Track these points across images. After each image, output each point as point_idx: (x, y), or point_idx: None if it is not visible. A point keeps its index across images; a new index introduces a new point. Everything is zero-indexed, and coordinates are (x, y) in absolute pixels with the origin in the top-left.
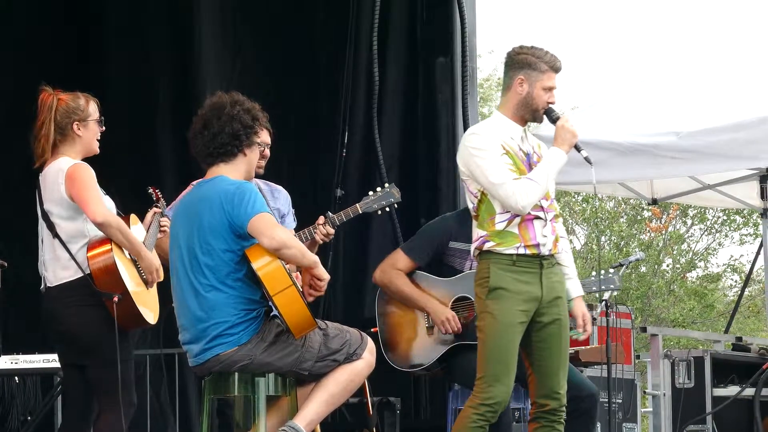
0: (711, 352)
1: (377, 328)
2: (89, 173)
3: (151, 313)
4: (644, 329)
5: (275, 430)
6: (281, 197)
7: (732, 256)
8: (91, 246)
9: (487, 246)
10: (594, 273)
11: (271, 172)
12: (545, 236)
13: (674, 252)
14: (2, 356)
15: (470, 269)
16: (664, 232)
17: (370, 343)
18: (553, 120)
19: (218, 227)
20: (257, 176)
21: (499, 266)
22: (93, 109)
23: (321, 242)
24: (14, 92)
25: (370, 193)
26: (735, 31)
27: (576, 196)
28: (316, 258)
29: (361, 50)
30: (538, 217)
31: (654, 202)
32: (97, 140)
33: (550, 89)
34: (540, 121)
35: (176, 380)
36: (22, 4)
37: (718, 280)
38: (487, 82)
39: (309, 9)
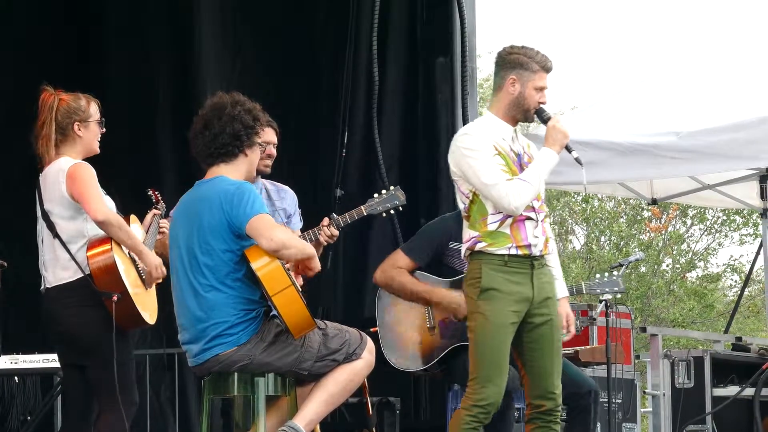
0: (711, 352)
1: (377, 328)
2: (90, 172)
3: (149, 314)
4: (644, 329)
5: (275, 430)
6: (288, 197)
7: (732, 256)
8: (90, 245)
9: (479, 246)
10: (598, 275)
11: (271, 172)
12: (536, 237)
13: (674, 252)
14: (2, 356)
15: None
16: (663, 232)
17: (370, 343)
18: (544, 120)
19: (217, 227)
20: (264, 176)
21: (491, 266)
22: (94, 110)
23: (325, 243)
24: (14, 92)
25: (375, 195)
26: (735, 31)
27: (576, 196)
28: (314, 251)
29: (361, 50)
30: (529, 218)
31: (654, 202)
32: (98, 141)
33: (542, 89)
34: (531, 121)
35: (176, 380)
36: (22, 4)
37: (717, 280)
38: (486, 82)
39: (309, 9)
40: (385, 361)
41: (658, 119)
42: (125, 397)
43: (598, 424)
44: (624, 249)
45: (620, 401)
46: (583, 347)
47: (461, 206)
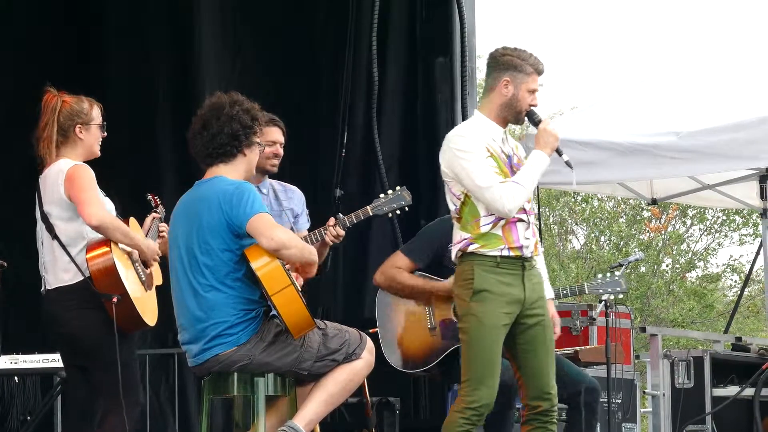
0: (710, 352)
1: (377, 329)
2: (89, 174)
3: (150, 315)
4: (644, 329)
5: (274, 430)
6: (295, 197)
7: (731, 256)
8: (90, 247)
9: (471, 248)
10: (599, 275)
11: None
12: (528, 238)
13: (674, 252)
14: (2, 356)
15: None
16: (663, 232)
17: (370, 343)
18: (535, 123)
19: (217, 227)
20: (270, 176)
21: (483, 268)
22: (96, 113)
23: (331, 243)
24: (14, 92)
25: (381, 195)
26: (735, 31)
27: (576, 196)
28: (315, 258)
29: (361, 50)
30: (521, 220)
31: (653, 202)
32: (99, 144)
33: (534, 91)
34: (521, 123)
35: (176, 380)
36: (22, 4)
37: (717, 280)
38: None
39: (309, 9)
40: (385, 361)
41: (658, 119)
42: (129, 397)
43: (598, 424)
44: (624, 249)
45: (620, 401)
46: (583, 347)
47: (452, 207)
